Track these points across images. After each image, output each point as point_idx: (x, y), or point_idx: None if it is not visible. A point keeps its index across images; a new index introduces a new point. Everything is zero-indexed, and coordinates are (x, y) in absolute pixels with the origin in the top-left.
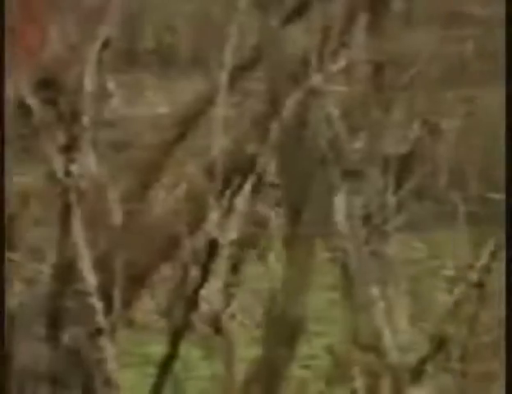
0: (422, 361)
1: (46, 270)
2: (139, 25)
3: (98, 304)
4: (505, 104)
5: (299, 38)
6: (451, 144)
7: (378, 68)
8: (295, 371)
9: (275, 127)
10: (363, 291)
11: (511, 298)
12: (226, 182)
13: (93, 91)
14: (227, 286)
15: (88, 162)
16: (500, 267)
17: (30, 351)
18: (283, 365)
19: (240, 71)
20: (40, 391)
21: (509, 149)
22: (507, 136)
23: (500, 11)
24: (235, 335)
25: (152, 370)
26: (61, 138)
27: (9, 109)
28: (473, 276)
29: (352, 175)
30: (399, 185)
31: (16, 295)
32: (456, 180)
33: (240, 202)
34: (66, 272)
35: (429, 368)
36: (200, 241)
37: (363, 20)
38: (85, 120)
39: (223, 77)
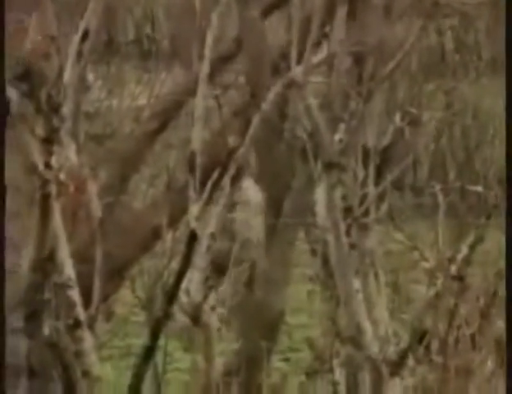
0: (403, 354)
1: (24, 263)
2: (120, 16)
3: (78, 297)
4: (505, 105)
5: (279, 29)
6: (432, 136)
7: (358, 60)
8: (275, 363)
9: (255, 119)
10: (344, 283)
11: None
12: (206, 174)
13: (73, 83)
14: (207, 278)
15: (68, 155)
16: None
17: (9, 344)
18: (263, 358)
19: (220, 62)
20: (19, 385)
21: (509, 145)
22: (507, 135)
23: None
24: (214, 327)
25: (132, 362)
26: (41, 130)
27: None
28: (453, 268)
29: (332, 167)
30: (379, 177)
31: None
32: (436, 171)
33: (220, 194)
34: (45, 264)
35: (409, 360)
36: (180, 234)
37: (343, 11)
38: (65, 111)
39: (203, 69)
